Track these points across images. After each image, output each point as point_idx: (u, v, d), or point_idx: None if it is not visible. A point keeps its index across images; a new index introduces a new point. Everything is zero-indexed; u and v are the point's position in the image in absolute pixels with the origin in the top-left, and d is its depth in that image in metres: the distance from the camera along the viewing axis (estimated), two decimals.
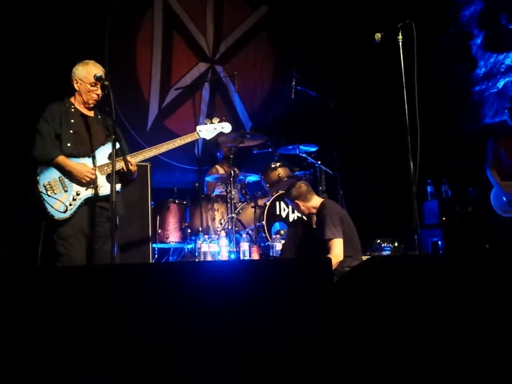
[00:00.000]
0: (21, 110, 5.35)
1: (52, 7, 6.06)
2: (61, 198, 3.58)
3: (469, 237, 6.18)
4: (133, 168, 3.78)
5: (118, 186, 3.76)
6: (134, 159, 3.81)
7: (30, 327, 1.74)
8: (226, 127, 4.19)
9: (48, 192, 3.56)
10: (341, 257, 4.28)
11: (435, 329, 1.99)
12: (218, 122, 4.16)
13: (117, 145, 3.68)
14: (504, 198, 5.33)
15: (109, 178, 3.66)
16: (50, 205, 3.54)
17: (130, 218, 4.90)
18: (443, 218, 6.40)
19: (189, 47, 7.56)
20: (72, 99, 3.89)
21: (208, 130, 4.12)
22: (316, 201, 4.69)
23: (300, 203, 4.68)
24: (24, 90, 5.61)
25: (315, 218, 4.76)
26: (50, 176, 3.61)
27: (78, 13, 6.25)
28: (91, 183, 3.65)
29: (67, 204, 3.57)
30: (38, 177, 3.59)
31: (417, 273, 2.07)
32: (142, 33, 7.24)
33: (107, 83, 3.69)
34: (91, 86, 3.81)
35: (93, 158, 3.72)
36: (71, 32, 6.13)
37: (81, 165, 3.66)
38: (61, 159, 3.63)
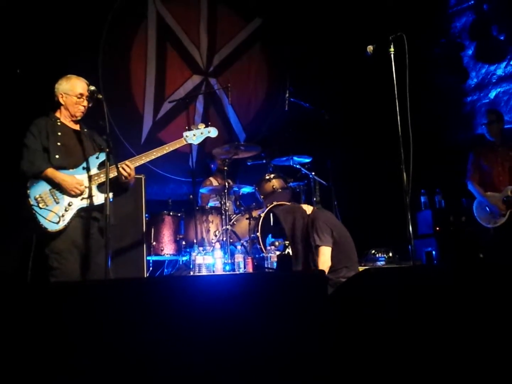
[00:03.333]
0: (7, 123, 5.37)
1: (46, 20, 6.07)
2: (54, 210, 3.56)
3: (463, 247, 6.19)
4: (131, 173, 3.78)
5: (109, 195, 3.72)
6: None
7: (25, 339, 1.74)
8: (213, 132, 4.18)
9: (40, 205, 3.54)
10: (327, 264, 4.29)
11: (430, 339, 2.00)
12: (204, 127, 4.15)
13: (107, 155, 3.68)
14: (487, 209, 5.37)
15: (101, 187, 3.67)
16: (43, 217, 3.52)
17: (124, 230, 4.90)
18: (437, 228, 6.41)
19: (182, 60, 7.58)
20: (57, 114, 3.90)
21: (195, 135, 4.10)
22: (308, 207, 4.71)
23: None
24: (16, 102, 5.61)
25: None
26: (40, 189, 3.59)
27: (72, 27, 6.26)
28: (81, 194, 3.64)
29: (60, 215, 3.56)
30: (28, 191, 3.57)
31: (411, 285, 2.08)
32: (136, 46, 7.26)
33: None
34: (77, 98, 3.83)
35: (84, 168, 3.72)
36: (64, 46, 6.14)
37: (70, 177, 3.65)
38: (50, 171, 3.62)
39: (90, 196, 3.66)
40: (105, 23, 6.90)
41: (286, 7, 7.93)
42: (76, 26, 6.31)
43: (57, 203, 3.59)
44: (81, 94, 3.82)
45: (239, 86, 7.74)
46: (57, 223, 3.54)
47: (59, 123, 3.83)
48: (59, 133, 3.78)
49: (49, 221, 3.53)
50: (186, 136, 4.09)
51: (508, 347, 2.01)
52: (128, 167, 3.76)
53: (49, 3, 6.11)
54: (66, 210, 3.59)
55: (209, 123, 4.26)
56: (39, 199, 3.56)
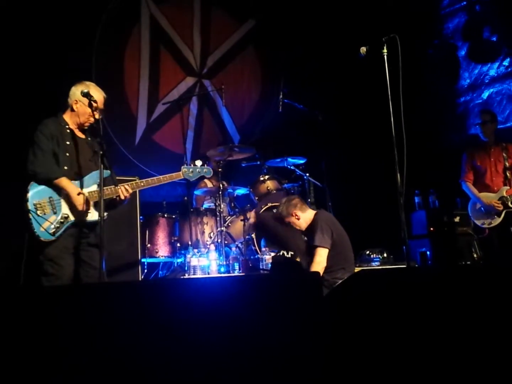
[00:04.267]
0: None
1: (40, 20, 6.07)
2: (50, 219, 3.53)
3: (457, 247, 6.22)
4: (128, 196, 3.79)
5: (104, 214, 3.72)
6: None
7: (19, 342, 1.73)
8: (208, 172, 4.32)
9: (38, 212, 3.51)
10: (322, 265, 4.31)
11: (424, 340, 2.00)
12: (201, 165, 4.26)
13: (108, 173, 3.68)
14: (482, 209, 5.40)
15: (96, 205, 3.62)
16: (38, 224, 3.49)
17: (119, 232, 4.90)
18: (431, 229, 6.43)
19: (176, 62, 7.59)
20: (66, 117, 3.83)
21: (192, 171, 4.20)
22: (310, 214, 4.68)
23: (298, 213, 4.62)
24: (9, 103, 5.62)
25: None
26: (40, 196, 3.55)
27: (65, 27, 6.26)
28: (82, 212, 3.60)
29: (55, 225, 3.53)
30: (28, 195, 3.53)
31: (405, 286, 2.08)
32: (129, 48, 7.26)
33: (102, 107, 3.73)
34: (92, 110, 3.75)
35: (82, 183, 3.68)
36: (58, 46, 6.14)
37: (81, 195, 3.61)
38: (65, 181, 3.58)
39: (86, 212, 3.63)
40: (99, 24, 6.90)
41: (280, 9, 7.95)
42: (70, 27, 6.32)
43: (54, 213, 3.56)
44: (96, 108, 3.69)
45: (233, 87, 7.74)
46: (52, 234, 3.51)
47: (68, 130, 3.77)
48: (68, 142, 3.73)
49: (44, 229, 3.50)
50: (184, 171, 4.17)
51: (503, 348, 2.02)
52: (127, 191, 3.76)
53: (42, 3, 6.10)
54: (61, 222, 3.56)
55: (206, 163, 4.45)
56: (37, 205, 3.53)
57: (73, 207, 3.59)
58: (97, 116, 3.68)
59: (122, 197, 3.75)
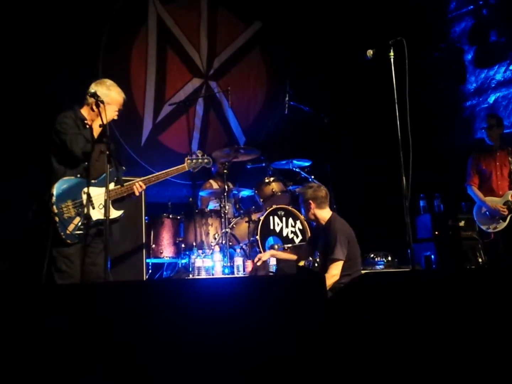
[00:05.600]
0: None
1: (47, 21, 6.09)
2: (75, 221, 3.60)
3: (462, 251, 6.20)
4: (141, 191, 3.96)
5: (120, 212, 3.89)
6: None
7: (26, 340, 1.74)
8: (208, 162, 4.53)
9: (65, 215, 3.57)
10: (336, 278, 4.26)
11: (428, 343, 2.00)
12: (202, 155, 4.45)
13: (122, 169, 3.85)
14: (487, 214, 5.39)
15: (115, 203, 3.78)
16: (64, 226, 3.55)
17: (124, 233, 4.90)
18: (436, 232, 6.42)
19: (183, 63, 7.60)
20: (84, 112, 3.84)
21: (195, 162, 4.41)
22: (326, 213, 4.60)
23: (313, 206, 4.55)
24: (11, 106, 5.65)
25: (308, 229, 4.73)
26: (65, 198, 3.61)
27: (72, 28, 6.28)
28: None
29: (80, 227, 3.59)
30: (53, 199, 3.57)
31: (409, 289, 2.08)
32: (136, 49, 7.27)
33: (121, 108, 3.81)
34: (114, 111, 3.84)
35: (103, 182, 3.73)
36: (64, 47, 6.16)
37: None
38: None
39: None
40: (105, 25, 6.91)
41: (286, 11, 7.95)
42: (76, 28, 6.32)
43: (78, 214, 3.62)
44: (119, 110, 3.86)
45: (239, 89, 7.75)
46: (78, 236, 3.58)
47: (87, 126, 3.77)
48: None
49: (70, 232, 3.56)
50: (188, 163, 4.39)
51: (507, 352, 2.01)
52: (141, 187, 3.92)
53: (49, 4, 6.13)
54: (85, 223, 3.60)
55: (204, 155, 4.52)
56: (64, 209, 3.58)
57: (93, 204, 3.66)
58: (115, 117, 3.83)
59: (137, 194, 3.91)
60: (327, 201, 4.66)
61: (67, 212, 3.57)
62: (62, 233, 3.54)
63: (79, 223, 3.59)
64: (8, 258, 5.03)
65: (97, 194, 3.72)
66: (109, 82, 3.88)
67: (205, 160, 4.44)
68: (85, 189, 3.62)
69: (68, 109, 3.83)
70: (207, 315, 1.88)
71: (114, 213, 3.77)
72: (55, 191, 3.58)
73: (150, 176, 4.08)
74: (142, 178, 3.99)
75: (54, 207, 3.55)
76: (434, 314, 2.04)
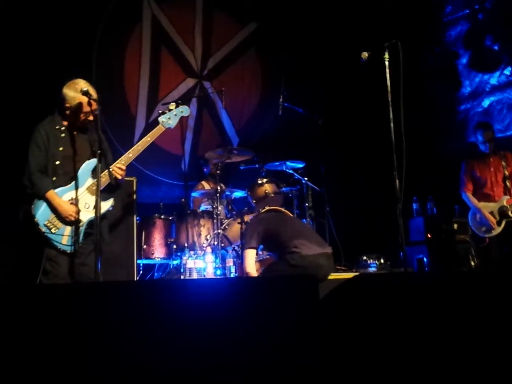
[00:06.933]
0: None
1: (40, 21, 6.05)
2: (66, 233, 3.54)
3: (455, 254, 6.21)
4: (123, 173, 3.75)
5: (110, 203, 3.75)
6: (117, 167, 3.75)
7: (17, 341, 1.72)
8: (185, 111, 4.16)
9: (52, 230, 3.51)
10: (250, 267, 4.42)
11: (420, 345, 1.99)
12: (176, 107, 4.10)
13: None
14: (482, 219, 5.39)
15: (102, 195, 3.58)
16: (58, 242, 3.51)
17: (115, 233, 4.86)
18: (429, 235, 6.43)
19: (177, 63, 7.58)
20: (63, 118, 3.75)
21: (170, 118, 4.04)
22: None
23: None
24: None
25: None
26: (47, 214, 3.53)
27: (65, 26, 6.24)
28: (75, 221, 3.56)
29: (73, 237, 3.54)
30: (35, 219, 3.51)
31: (402, 291, 2.07)
32: (130, 48, 7.25)
33: (95, 97, 3.61)
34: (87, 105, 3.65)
35: (77, 183, 3.64)
36: (57, 45, 6.13)
37: (67, 203, 3.58)
38: (49, 194, 3.54)
39: (94, 207, 3.54)
40: (99, 23, 6.89)
41: (281, 12, 7.94)
42: (70, 26, 6.29)
43: (66, 224, 3.56)
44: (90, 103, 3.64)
45: (233, 90, 7.72)
46: (74, 244, 3.53)
47: (62, 134, 3.70)
48: (61, 148, 3.68)
49: (65, 245, 3.53)
50: (163, 121, 4.04)
51: (499, 354, 2.01)
52: (121, 169, 3.73)
53: (43, 2, 6.09)
54: (77, 230, 3.55)
55: (179, 102, 4.29)
56: (49, 224, 3.52)
57: (64, 219, 3.55)
58: (94, 108, 3.62)
59: (119, 177, 3.71)
60: (267, 204, 5.19)
61: (53, 227, 3.52)
62: (59, 248, 3.52)
63: (72, 233, 3.55)
64: (8, 254, 4.98)
65: (78, 195, 3.64)
66: (77, 80, 3.74)
67: (181, 110, 4.10)
68: (64, 196, 3.58)
69: (49, 116, 3.77)
70: (199, 316, 1.87)
71: (103, 206, 3.61)
72: (34, 209, 3.52)
73: (127, 153, 3.85)
74: (119, 160, 3.78)
75: (40, 227, 3.50)
76: (426, 316, 2.03)
